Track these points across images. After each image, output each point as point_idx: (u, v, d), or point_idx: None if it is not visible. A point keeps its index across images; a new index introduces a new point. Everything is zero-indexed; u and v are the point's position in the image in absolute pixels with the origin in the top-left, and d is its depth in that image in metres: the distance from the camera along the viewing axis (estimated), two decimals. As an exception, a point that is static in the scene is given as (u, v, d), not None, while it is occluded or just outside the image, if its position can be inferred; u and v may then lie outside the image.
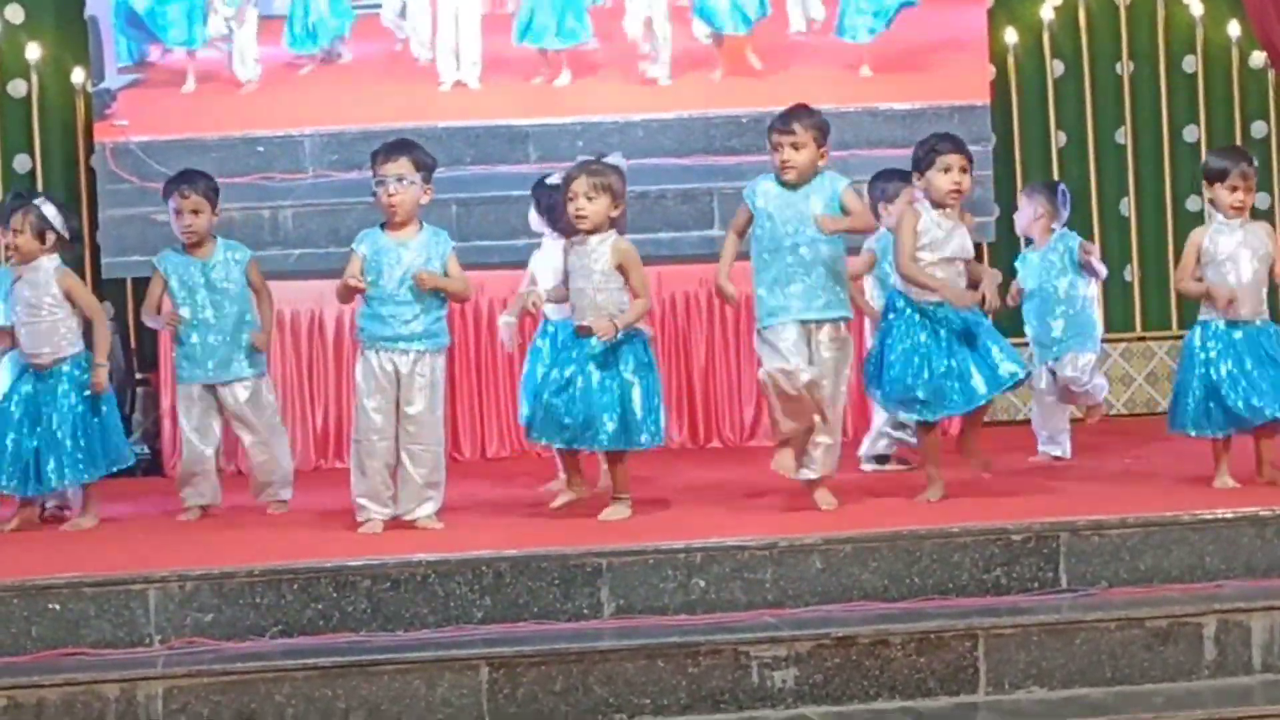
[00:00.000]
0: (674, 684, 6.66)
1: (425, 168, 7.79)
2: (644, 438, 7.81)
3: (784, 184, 7.84)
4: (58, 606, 6.80)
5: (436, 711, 6.58)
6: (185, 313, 8.37)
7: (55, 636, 6.78)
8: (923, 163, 8.03)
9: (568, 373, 7.77)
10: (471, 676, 6.60)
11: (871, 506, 7.95)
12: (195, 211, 8.38)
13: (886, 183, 9.09)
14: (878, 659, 6.74)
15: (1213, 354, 8.06)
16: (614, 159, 8.09)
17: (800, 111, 7.96)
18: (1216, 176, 8.15)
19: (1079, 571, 7.20)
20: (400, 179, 7.73)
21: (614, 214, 7.84)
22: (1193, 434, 8.17)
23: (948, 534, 7.20)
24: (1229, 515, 7.34)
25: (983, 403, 8.00)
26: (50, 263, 8.18)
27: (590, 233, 7.80)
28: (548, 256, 8.56)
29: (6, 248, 8.42)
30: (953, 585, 7.14)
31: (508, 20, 10.63)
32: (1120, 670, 6.84)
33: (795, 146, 7.81)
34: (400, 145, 7.86)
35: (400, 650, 6.68)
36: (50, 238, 8.17)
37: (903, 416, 8.52)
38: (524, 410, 8.25)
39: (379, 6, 10.61)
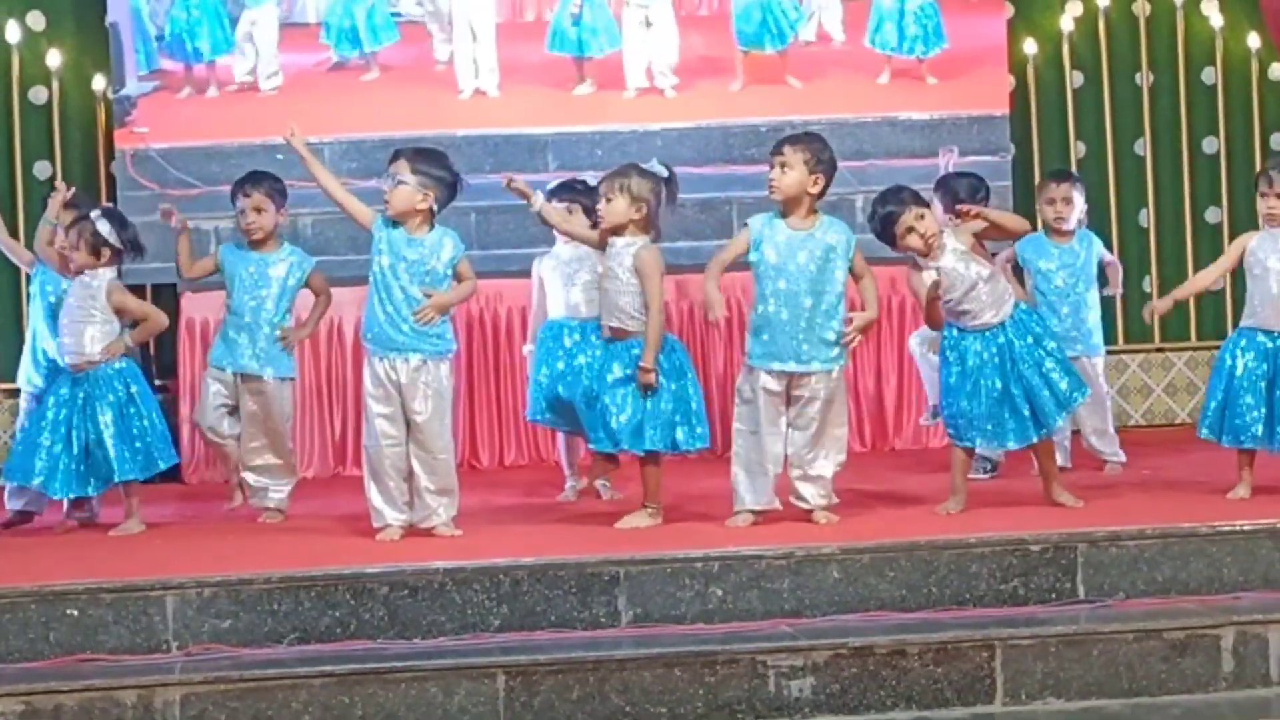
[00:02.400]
0: (691, 693, 6.66)
1: (420, 172, 7.80)
2: (686, 441, 7.87)
3: (780, 215, 7.80)
4: (76, 612, 6.82)
5: (453, 719, 6.58)
6: (233, 304, 8.50)
7: (73, 642, 6.80)
8: None
9: (611, 378, 7.80)
10: (488, 685, 6.61)
11: (889, 517, 7.95)
12: (258, 210, 8.47)
13: (957, 187, 8.99)
14: (895, 669, 6.74)
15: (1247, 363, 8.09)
16: (653, 166, 8.08)
17: (795, 134, 8.00)
18: (1258, 185, 8.20)
19: (1096, 582, 7.19)
20: (393, 178, 7.79)
21: (635, 216, 7.84)
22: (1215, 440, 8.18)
23: (965, 545, 7.20)
24: (1247, 527, 7.32)
25: (1036, 440, 7.97)
26: (106, 275, 8.24)
27: (612, 232, 7.83)
28: (556, 261, 8.69)
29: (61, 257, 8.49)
30: (970, 596, 7.14)
31: (526, 29, 10.65)
32: (1137, 682, 6.83)
33: (782, 167, 7.77)
34: (405, 149, 7.94)
35: (417, 658, 6.69)
36: (106, 253, 8.23)
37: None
38: (540, 402, 8.44)
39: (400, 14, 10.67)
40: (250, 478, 8.49)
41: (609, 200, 7.84)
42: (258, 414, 8.44)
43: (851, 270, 7.81)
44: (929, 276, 7.84)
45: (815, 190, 7.78)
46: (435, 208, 7.84)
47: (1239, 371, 8.09)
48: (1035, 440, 7.96)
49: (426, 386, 7.78)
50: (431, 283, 7.80)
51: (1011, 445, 7.97)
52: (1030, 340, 7.88)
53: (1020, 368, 7.84)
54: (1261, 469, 8.17)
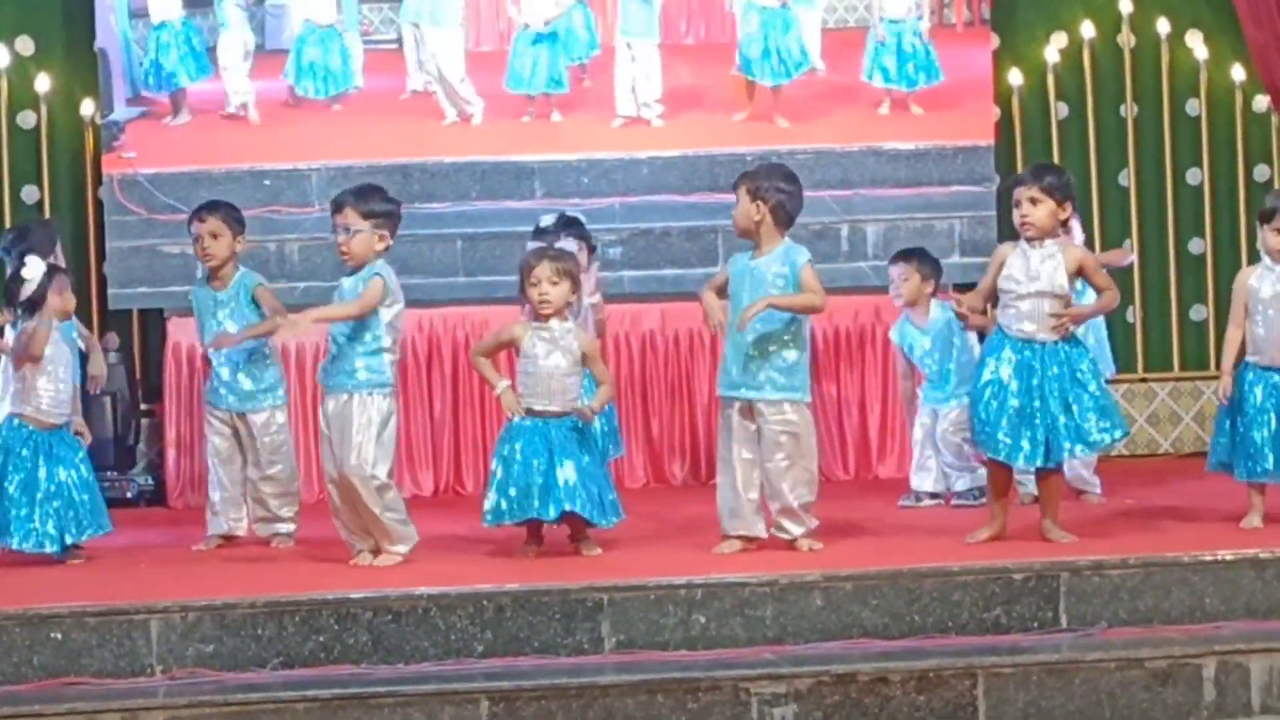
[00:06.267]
0: (674, 719, 6.67)
1: (372, 215, 7.69)
2: (613, 516, 7.94)
3: (749, 252, 7.83)
4: (60, 635, 6.82)
5: (436, 744, 6.60)
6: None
7: (57, 665, 6.80)
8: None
9: (536, 460, 7.79)
10: (472, 710, 6.61)
11: (872, 545, 7.97)
12: (214, 235, 8.39)
13: (923, 260, 9.08)
14: (877, 697, 6.74)
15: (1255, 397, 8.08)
16: (566, 244, 8.24)
17: (748, 168, 8.03)
18: (1265, 217, 8.14)
19: (1079, 611, 7.21)
20: (346, 229, 7.70)
21: (572, 299, 7.91)
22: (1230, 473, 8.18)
23: (948, 573, 7.22)
24: (1229, 557, 7.34)
25: (1049, 467, 7.88)
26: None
27: (552, 317, 7.85)
28: None
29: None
30: (953, 624, 7.15)
31: (505, 58, 10.67)
32: (1119, 711, 6.85)
33: (738, 202, 7.82)
34: (345, 196, 7.82)
35: (401, 683, 6.68)
36: None
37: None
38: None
39: (391, 43, 10.68)
40: (257, 509, 8.49)
41: (554, 284, 7.81)
42: (254, 444, 8.45)
43: (798, 283, 7.74)
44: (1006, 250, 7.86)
45: (759, 218, 7.78)
46: (390, 244, 7.77)
47: (1249, 405, 8.07)
48: (1041, 466, 7.89)
49: (342, 419, 7.67)
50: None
51: (1020, 463, 7.91)
52: (1068, 373, 7.77)
53: (1046, 392, 7.77)
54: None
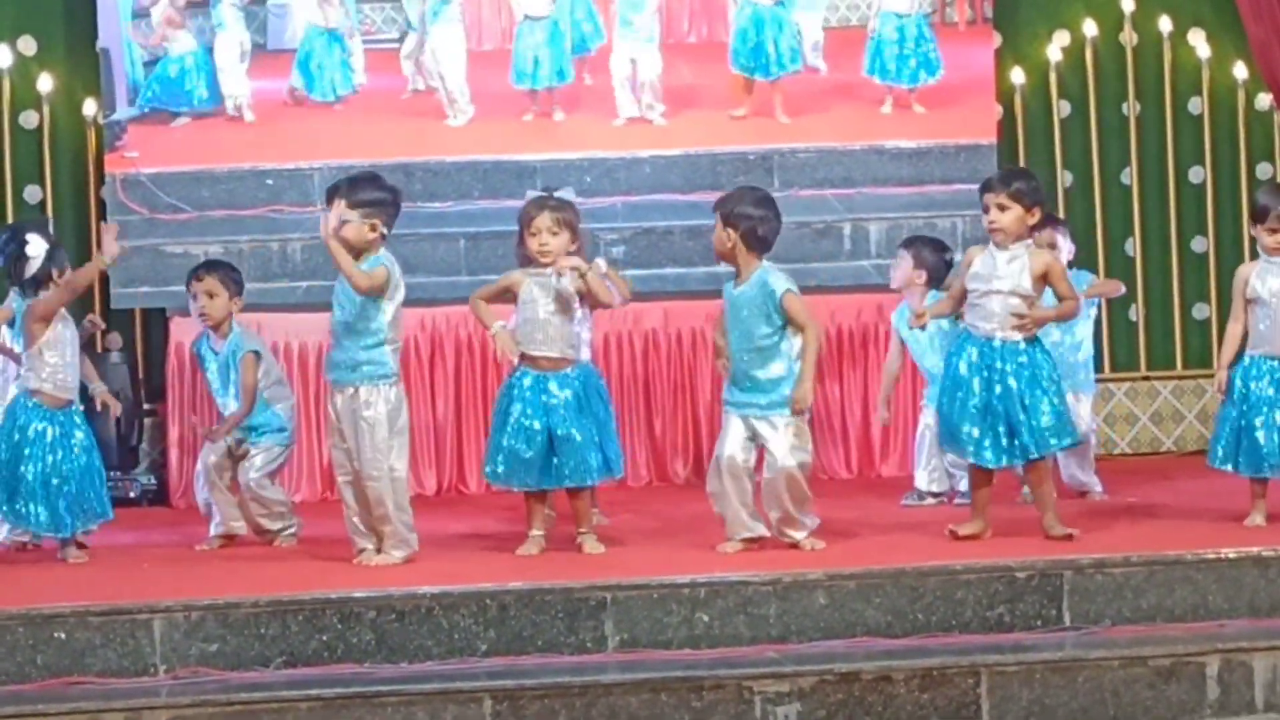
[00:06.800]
0: (677, 718, 6.67)
1: (361, 204, 7.67)
2: (615, 468, 7.99)
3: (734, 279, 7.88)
4: (63, 635, 6.82)
5: (440, 743, 6.60)
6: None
7: (60, 665, 6.81)
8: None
9: (535, 424, 7.82)
10: (475, 709, 6.61)
11: (876, 543, 7.96)
12: (210, 294, 8.46)
13: (925, 251, 9.09)
14: (881, 695, 6.75)
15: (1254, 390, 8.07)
16: (566, 193, 8.20)
17: (723, 195, 8.05)
18: (1258, 218, 8.15)
19: (1082, 609, 7.21)
20: (337, 220, 7.70)
21: (572, 249, 7.92)
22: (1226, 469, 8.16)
23: (952, 571, 7.22)
24: (1232, 555, 7.35)
25: (1009, 465, 7.94)
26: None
27: (549, 266, 7.87)
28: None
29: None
30: (956, 622, 7.15)
31: (508, 56, 10.66)
32: (1123, 708, 6.85)
33: (715, 228, 7.87)
34: (336, 186, 7.80)
35: (404, 682, 6.69)
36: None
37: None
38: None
39: (392, 42, 10.68)
40: (264, 521, 8.51)
41: (554, 234, 7.86)
42: (248, 465, 8.50)
43: (791, 322, 7.76)
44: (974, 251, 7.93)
45: (730, 244, 7.80)
46: (385, 232, 7.75)
47: (1253, 399, 8.07)
48: (1008, 465, 7.94)
49: (355, 414, 7.69)
50: (352, 308, 7.73)
51: (988, 463, 7.91)
52: (1027, 374, 7.79)
53: (1006, 391, 7.80)
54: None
